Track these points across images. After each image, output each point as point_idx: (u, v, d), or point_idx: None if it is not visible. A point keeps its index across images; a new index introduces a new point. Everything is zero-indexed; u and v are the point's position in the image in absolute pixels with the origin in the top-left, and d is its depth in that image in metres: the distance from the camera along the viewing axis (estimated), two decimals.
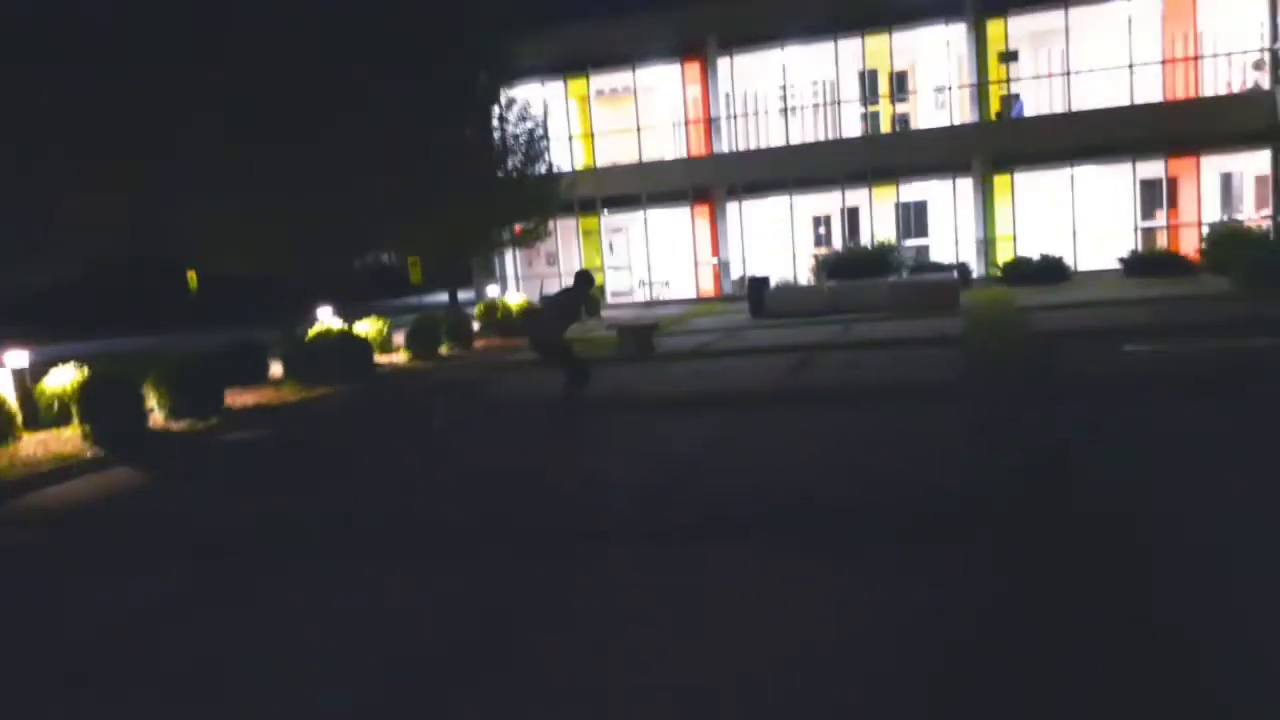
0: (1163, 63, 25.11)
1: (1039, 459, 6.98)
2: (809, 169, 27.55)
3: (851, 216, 28.52)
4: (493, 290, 26.64)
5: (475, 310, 22.90)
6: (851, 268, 24.58)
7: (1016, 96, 27.05)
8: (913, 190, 27.76)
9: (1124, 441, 7.35)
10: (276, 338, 17.27)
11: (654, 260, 30.06)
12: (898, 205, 27.76)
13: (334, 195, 14.55)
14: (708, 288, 29.52)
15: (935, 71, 27.85)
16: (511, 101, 23.51)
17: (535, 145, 23.64)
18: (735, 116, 29.18)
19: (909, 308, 19.65)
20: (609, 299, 29.78)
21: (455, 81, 18.26)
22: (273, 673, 4.49)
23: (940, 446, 7.76)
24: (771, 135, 29.01)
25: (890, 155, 26.95)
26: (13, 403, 11.62)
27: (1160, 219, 25.79)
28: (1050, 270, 23.92)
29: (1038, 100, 26.91)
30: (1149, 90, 25.16)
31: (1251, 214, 25.41)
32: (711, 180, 28.80)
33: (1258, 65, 24.81)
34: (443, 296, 28.10)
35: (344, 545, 6.51)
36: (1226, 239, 21.80)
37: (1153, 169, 25.34)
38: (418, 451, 9.77)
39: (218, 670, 4.59)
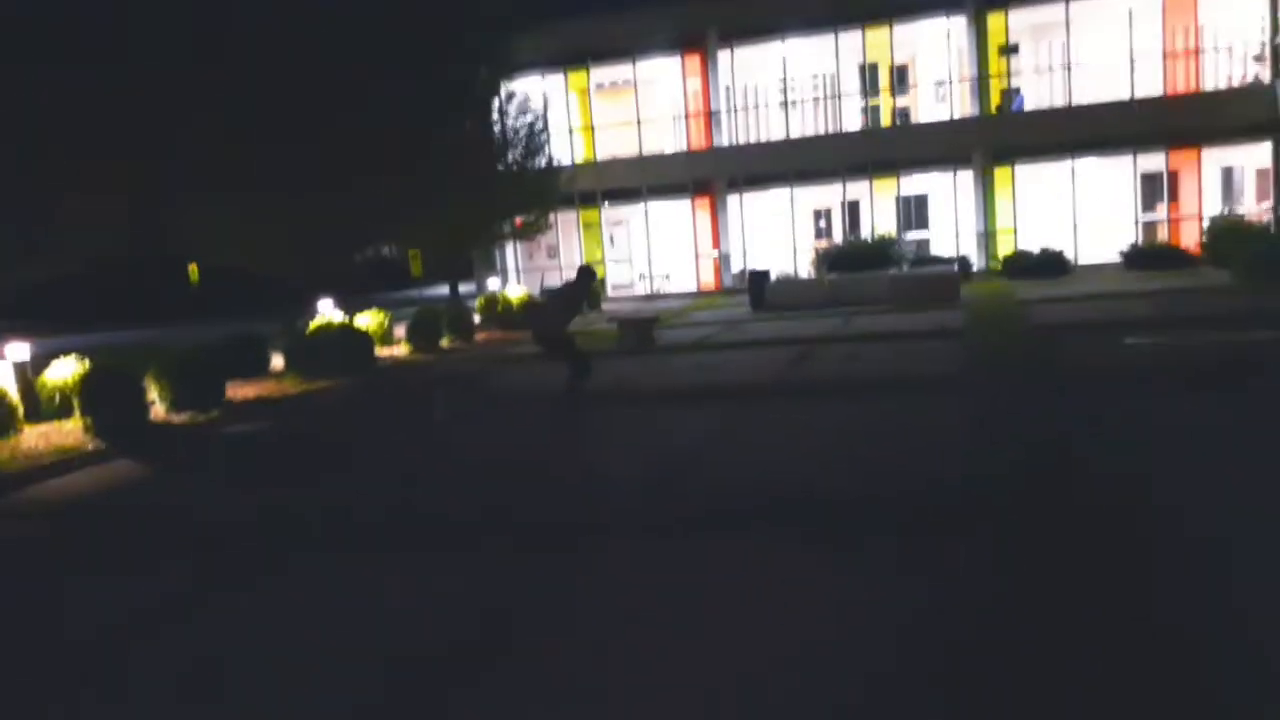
0: (1164, 56, 25.05)
1: (1039, 452, 6.96)
2: (809, 162, 27.51)
3: (852, 210, 28.48)
4: (493, 283, 26.66)
5: (476, 303, 22.87)
6: (852, 261, 24.55)
7: (1017, 90, 26.99)
8: (913, 183, 27.72)
9: (1125, 435, 7.33)
10: (277, 330, 17.25)
11: (654, 253, 30.03)
12: (898, 198, 27.72)
13: (334, 195, 14.53)
14: (708, 281, 29.49)
15: (936, 65, 27.78)
16: (511, 95, 23.48)
17: (535, 138, 23.60)
18: (736, 109, 29.12)
19: (909, 301, 19.63)
20: (609, 292, 29.76)
21: (455, 80, 18.21)
22: (272, 671, 4.48)
23: (940, 439, 7.75)
24: (772, 128, 28.95)
25: (891, 148, 26.92)
26: (14, 395, 11.60)
27: (1161, 212, 25.74)
28: (1050, 263, 23.89)
29: (1038, 94, 26.84)
30: (1150, 83, 25.10)
31: (1252, 207, 25.36)
32: (712, 173, 28.75)
33: (1258, 58, 24.75)
34: (444, 289, 28.03)
35: (345, 539, 6.50)
36: (1227, 232, 21.76)
37: (1153, 162, 25.30)
38: (418, 444, 9.75)
39: (217, 668, 4.57)
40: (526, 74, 27.22)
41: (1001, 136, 25.96)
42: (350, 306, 19.24)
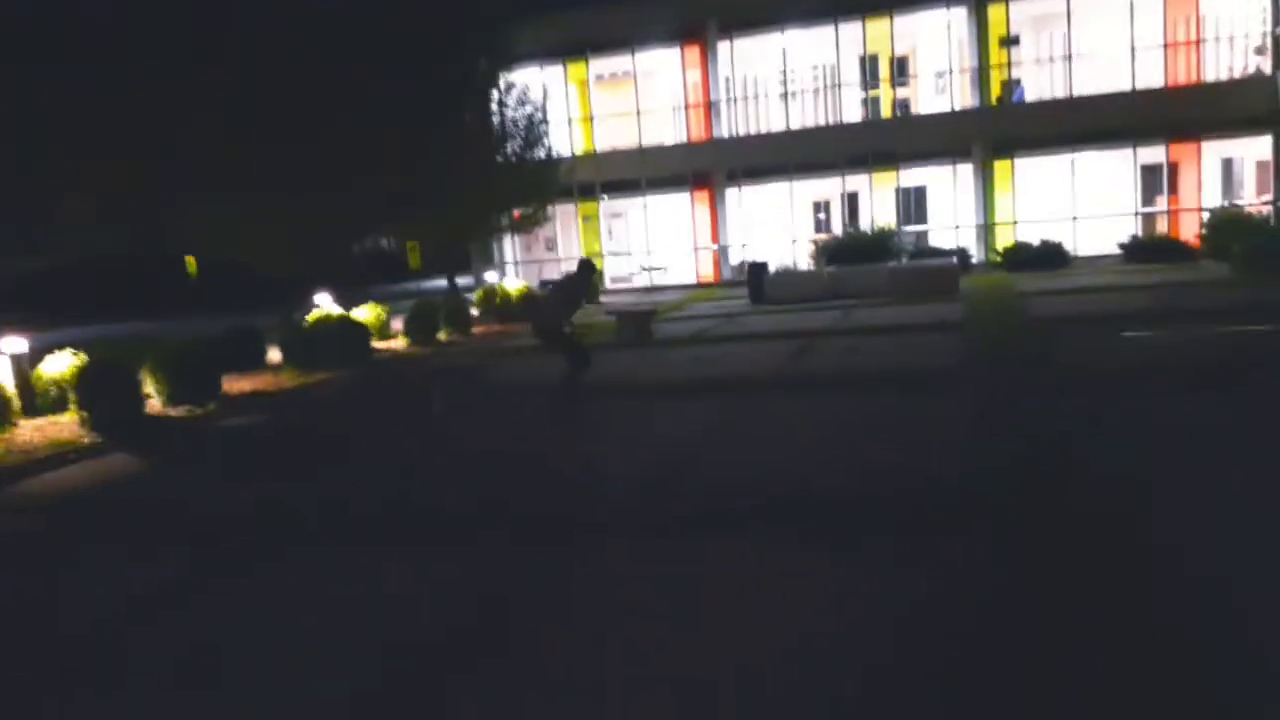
0: (1164, 47, 24.97)
1: (1037, 448, 6.94)
2: (809, 154, 27.45)
3: (851, 202, 28.43)
4: (491, 276, 26.61)
5: (474, 296, 22.85)
6: (851, 253, 24.51)
7: (1017, 81, 26.92)
8: (913, 175, 27.66)
9: (1123, 430, 7.31)
10: (275, 323, 17.23)
11: (653, 245, 29.99)
12: (898, 190, 27.66)
13: (333, 192, 14.50)
14: (707, 273, 29.45)
15: (936, 56, 27.69)
16: (510, 86, 23.39)
17: (534, 130, 23.53)
18: (735, 101, 29.05)
19: (909, 293, 19.60)
20: (608, 284, 29.72)
21: (455, 75, 18.16)
22: (267, 661, 4.47)
23: (939, 435, 7.73)
24: (771, 120, 28.87)
25: (891, 140, 26.86)
26: (10, 389, 11.60)
27: (1161, 204, 25.69)
28: (1049, 256, 23.86)
29: (1039, 85, 26.77)
30: (1151, 75, 25.02)
31: (1252, 199, 25.32)
32: (711, 165, 28.69)
33: (1259, 50, 24.67)
34: (442, 282, 28.03)
35: (340, 531, 6.49)
36: (1227, 224, 21.73)
37: (1154, 154, 25.24)
38: (415, 437, 9.74)
39: (213, 658, 4.57)
40: (525, 65, 27.13)
41: (1002, 128, 25.90)
42: (348, 299, 19.23)
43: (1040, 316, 14.50)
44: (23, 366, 12.10)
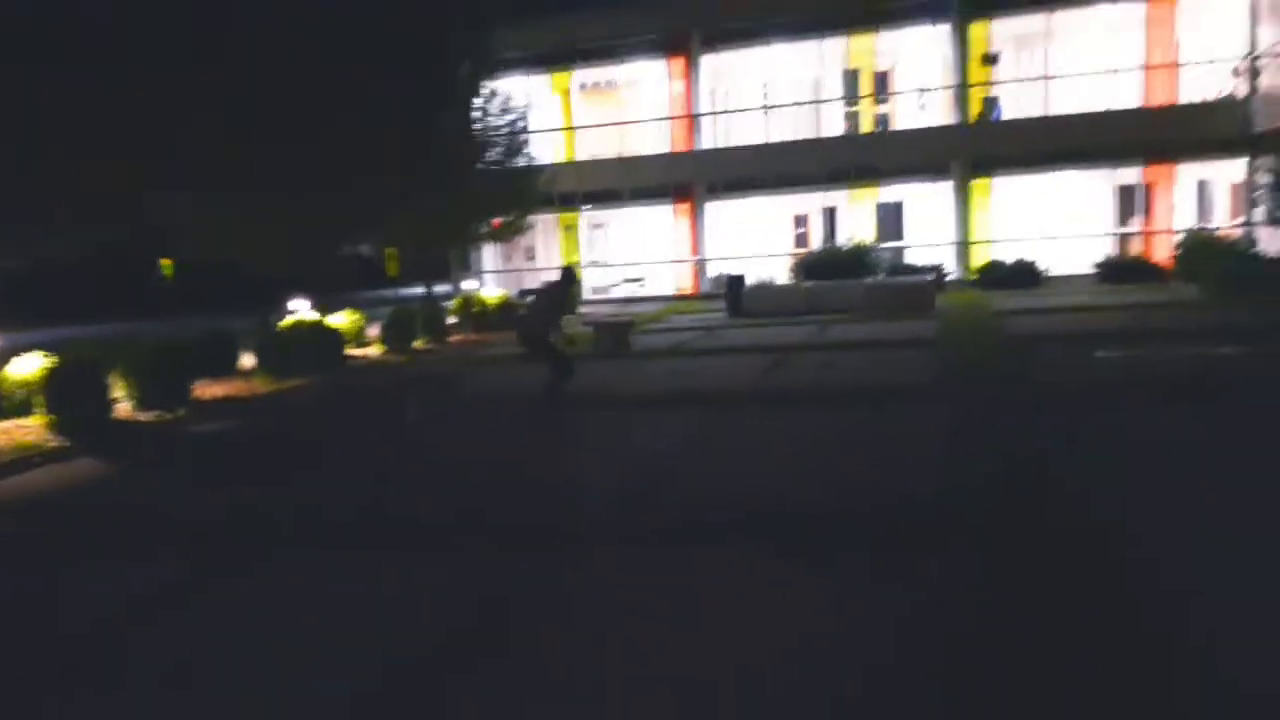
0: (1143, 69, 25.31)
1: (1010, 463, 6.99)
2: (789, 168, 27.58)
3: (830, 217, 28.57)
4: (469, 284, 26.55)
5: (452, 304, 22.79)
6: (828, 268, 24.62)
7: (996, 100, 27.18)
8: (892, 192, 27.84)
9: (1096, 447, 7.38)
10: (249, 328, 17.11)
11: (634, 257, 30.02)
12: (877, 206, 27.84)
13: (311, 195, 14.43)
14: (686, 285, 29.50)
15: (918, 72, 27.93)
16: (493, 93, 23.37)
17: (516, 138, 23.51)
18: (717, 113, 29.17)
19: (884, 309, 19.72)
20: (588, 295, 29.70)
21: (437, 78, 18.11)
22: (237, 677, 4.43)
23: (912, 450, 7.77)
24: (753, 133, 29.01)
25: (870, 155, 27.03)
26: None
27: (1136, 225, 25.99)
28: (1023, 274, 24.07)
29: (1019, 104, 27.04)
30: (1128, 96, 25.35)
31: (1224, 222, 25.65)
32: (692, 176, 28.77)
33: (1235, 73, 25.03)
34: (419, 290, 27.91)
35: (308, 541, 6.44)
36: (1198, 247, 21.99)
37: (1130, 175, 25.55)
38: (388, 445, 9.70)
39: (175, 672, 4.52)
40: (509, 73, 27.10)
41: (980, 146, 26.12)
42: (325, 305, 19.12)
43: (1014, 335, 14.62)
44: None
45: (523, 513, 6.78)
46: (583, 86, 30.40)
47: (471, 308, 22.09)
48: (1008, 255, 25.23)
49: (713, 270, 29.03)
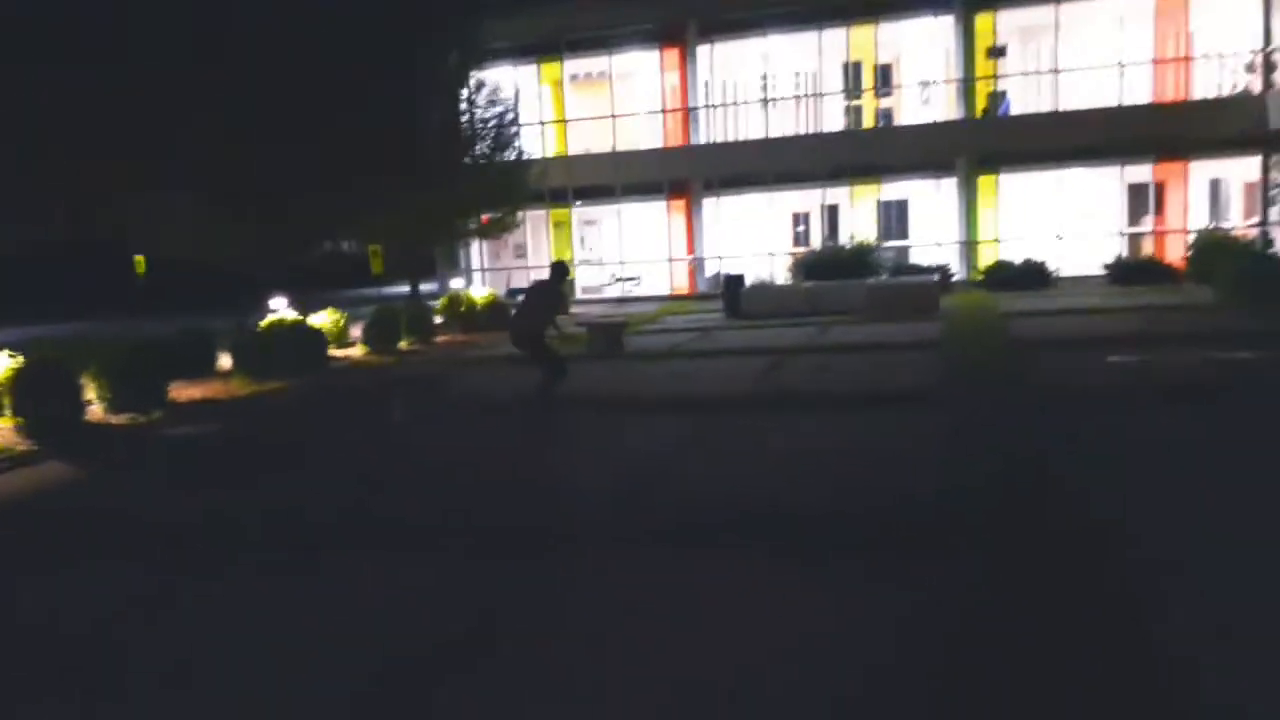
0: (1154, 63, 25.42)
1: (1013, 470, 7.05)
2: (789, 164, 27.65)
3: (831, 215, 28.66)
4: (457, 283, 26.55)
5: (438, 303, 22.80)
6: (829, 268, 24.70)
7: (1003, 94, 27.29)
8: (895, 189, 27.94)
9: (1105, 454, 7.45)
10: (227, 328, 17.11)
11: (627, 255, 30.07)
12: (879, 204, 27.93)
13: (291, 191, 14.44)
14: (682, 285, 29.55)
15: (921, 65, 28.04)
16: (481, 84, 23.41)
17: (505, 130, 23.56)
18: (714, 107, 29.24)
19: (887, 311, 19.77)
20: (579, 294, 29.75)
21: (424, 67, 18.14)
22: (196, 685, 4.46)
23: (914, 456, 7.84)
24: (751, 127, 29.07)
25: (872, 151, 27.11)
26: None
27: (1147, 225, 26.10)
28: (1031, 275, 24.16)
29: (1025, 99, 27.15)
30: (1139, 91, 25.46)
31: (1238, 222, 25.77)
32: (688, 172, 28.83)
33: (1250, 68, 25.15)
34: (405, 288, 27.94)
35: (285, 548, 6.46)
36: (1212, 247, 22.10)
37: (1141, 173, 25.66)
38: (370, 451, 9.72)
39: (142, 680, 4.55)
40: (498, 63, 27.15)
41: (987, 142, 26.21)
42: (306, 304, 19.12)
43: (1022, 338, 14.68)
44: None
45: (511, 516, 6.82)
46: (574, 78, 30.45)
47: (459, 307, 22.12)
48: (1015, 255, 25.32)
49: (709, 269, 29.09)
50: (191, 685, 4.46)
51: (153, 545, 6.72)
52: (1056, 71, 25.79)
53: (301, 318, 17.09)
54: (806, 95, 28.74)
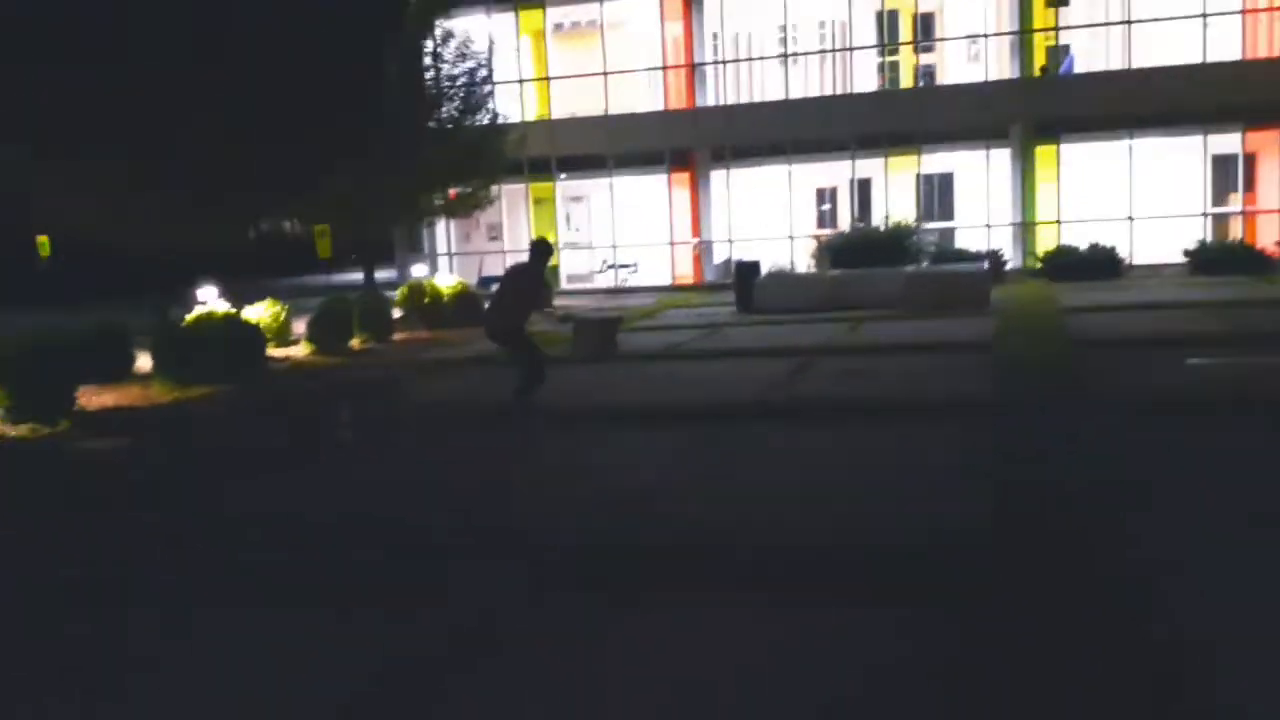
0: (1244, 13, 25.40)
1: (1072, 506, 6.93)
2: (812, 130, 27.62)
3: (862, 190, 28.65)
4: (419, 270, 26.48)
5: (397, 294, 22.73)
6: (860, 254, 24.64)
7: (1066, 49, 27.30)
8: (938, 160, 27.93)
9: (1180, 478, 7.38)
10: (146, 322, 17.03)
11: (621, 237, 30.02)
12: (919, 178, 27.92)
13: (210, 149, 14.29)
14: (686, 273, 29.54)
15: (969, 15, 28.03)
16: (449, 35, 23.38)
17: (477, 90, 23.53)
18: (724, 63, 29.21)
19: (929, 305, 19.71)
20: (564, 283, 29.73)
21: (379, 17, 18.06)
22: None
23: (954, 484, 7.74)
24: (768, 88, 29.06)
25: (911, 116, 27.07)
26: None
27: (1235, 203, 26.11)
28: (1100, 263, 24.15)
29: (1092, 55, 27.15)
30: (1227, 46, 25.42)
31: None
32: (693, 140, 28.80)
33: None
34: (358, 276, 27.91)
35: (189, 596, 6.39)
36: None
37: (1228, 143, 25.65)
38: (307, 475, 9.65)
39: None
40: (469, 10, 27.12)
41: (1046, 106, 26.20)
42: (239, 294, 19.04)
43: (1088, 338, 14.65)
44: None
45: (467, 552, 6.74)
46: (558, 28, 30.42)
47: (421, 299, 22.04)
48: (1079, 239, 25.32)
49: (718, 255, 29.06)
50: None
51: (37, 587, 6.64)
52: (1129, 23, 25.78)
53: (234, 311, 17.00)
54: (833, 50, 28.72)
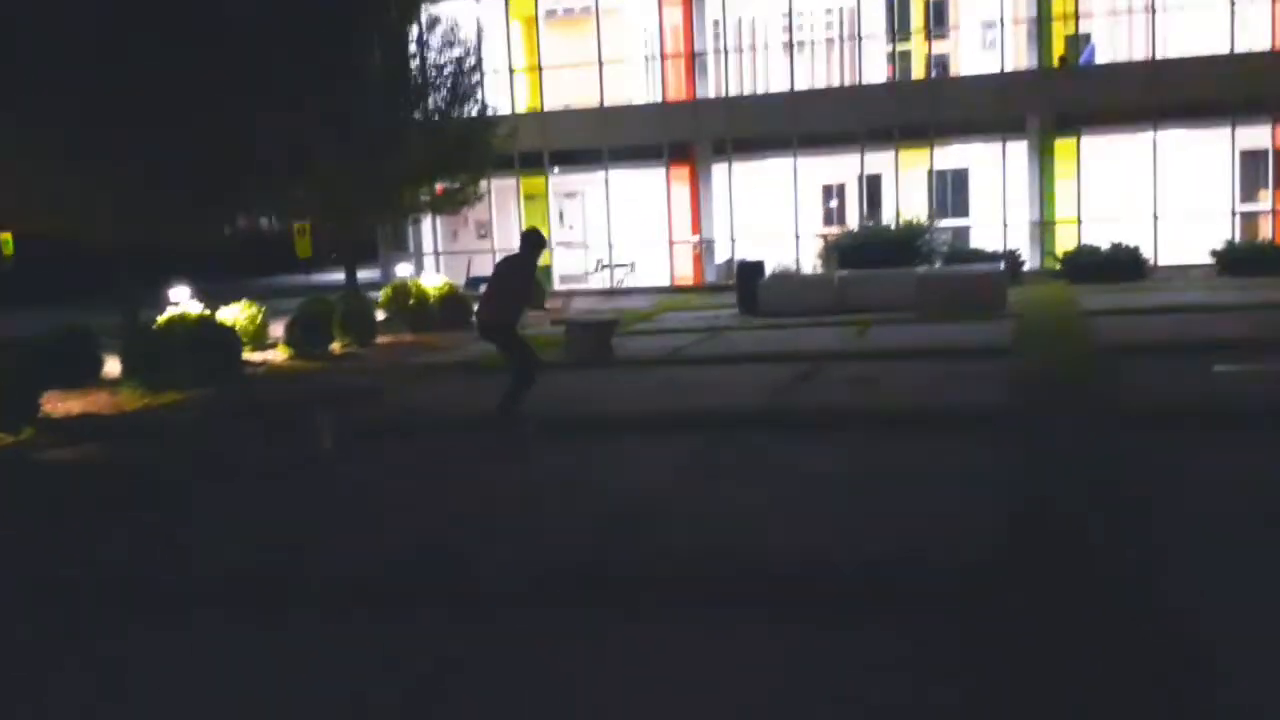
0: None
1: (1089, 527, 6.91)
2: (819, 123, 27.62)
3: (872, 186, 28.66)
4: (404, 269, 26.46)
5: (380, 295, 22.73)
6: (870, 254, 24.65)
7: (1087, 38, 27.32)
8: (951, 155, 27.94)
9: (1209, 502, 7.36)
10: (116, 325, 17.02)
11: (617, 235, 30.03)
12: (931, 173, 27.93)
13: (185, 140, 14.30)
14: (685, 274, 29.54)
15: (985, 2, 28.05)
16: (435, 21, 23.40)
17: (464, 79, 23.52)
18: (726, 52, 29.24)
19: (942, 308, 19.71)
20: (556, 284, 29.71)
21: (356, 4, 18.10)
22: None
23: (965, 500, 7.74)
24: (772, 78, 29.07)
25: (923, 108, 27.10)
26: None
27: (1265, 201, 26.13)
28: (1122, 263, 24.17)
29: (1114, 43, 27.17)
30: (1257, 34, 25.45)
31: None
32: (693, 133, 28.81)
33: None
34: (338, 276, 27.89)
35: (151, 615, 6.39)
36: None
37: (1258, 136, 25.67)
38: (283, 488, 9.64)
39: None
40: None
41: (1065, 97, 26.23)
42: (214, 295, 19.03)
43: (1110, 342, 14.66)
44: None
45: (451, 572, 6.73)
46: (551, 14, 30.45)
47: (406, 300, 22.04)
48: (1100, 238, 25.31)
49: (720, 255, 29.06)
50: None
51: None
52: (1152, 10, 25.81)
53: (208, 312, 16.99)
54: (841, 38, 28.75)
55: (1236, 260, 23.87)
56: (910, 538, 6.86)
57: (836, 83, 28.57)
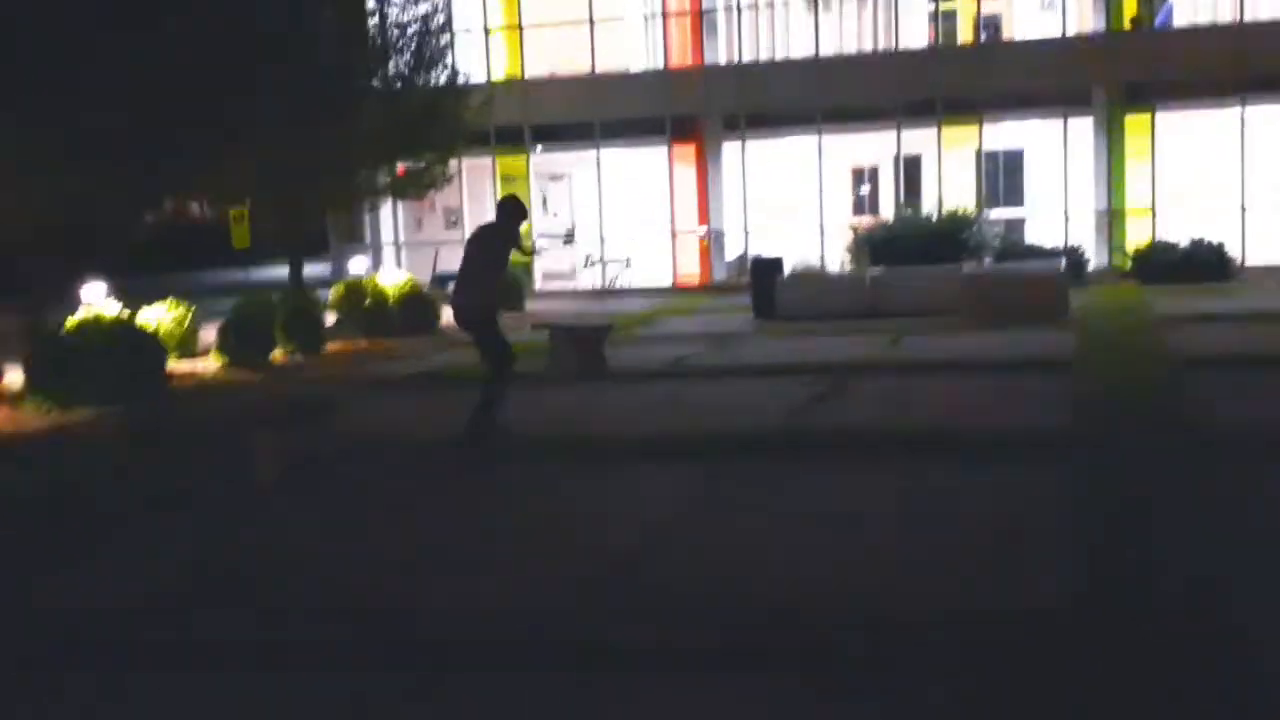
0: None
1: (1154, 573, 6.86)
2: (848, 94, 27.65)
3: (910, 169, 28.67)
4: (359, 264, 26.39)
5: (330, 294, 22.68)
6: (907, 249, 24.64)
7: None
8: (1003, 133, 27.96)
9: None
10: (17, 327, 16.98)
11: (610, 226, 30.01)
12: (979, 154, 27.93)
13: (92, 111, 14.27)
14: (690, 271, 29.53)
15: None
16: None
17: (430, 42, 23.51)
18: (739, 9, 29.25)
19: (992, 312, 19.71)
20: (539, 283, 29.67)
21: None
22: None
23: (1015, 541, 7.70)
24: (794, 41, 29.10)
25: (971, 78, 27.10)
26: None
27: None
28: (1204, 262, 24.16)
29: (1195, 3, 27.19)
30: None
31: None
32: (700, 106, 28.81)
33: None
34: (281, 270, 27.83)
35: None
36: None
37: None
38: (203, 526, 9.57)
39: None
40: None
41: (1138, 65, 26.21)
42: (135, 293, 18.98)
43: (1190, 355, 14.63)
44: None
45: (410, 628, 6.66)
46: None
47: (361, 300, 22.01)
48: (1178, 232, 25.29)
49: (731, 249, 29.05)
50: None
51: None
52: None
53: (127, 314, 16.93)
54: None
55: None
56: (956, 590, 6.79)
57: (869, 47, 28.58)
